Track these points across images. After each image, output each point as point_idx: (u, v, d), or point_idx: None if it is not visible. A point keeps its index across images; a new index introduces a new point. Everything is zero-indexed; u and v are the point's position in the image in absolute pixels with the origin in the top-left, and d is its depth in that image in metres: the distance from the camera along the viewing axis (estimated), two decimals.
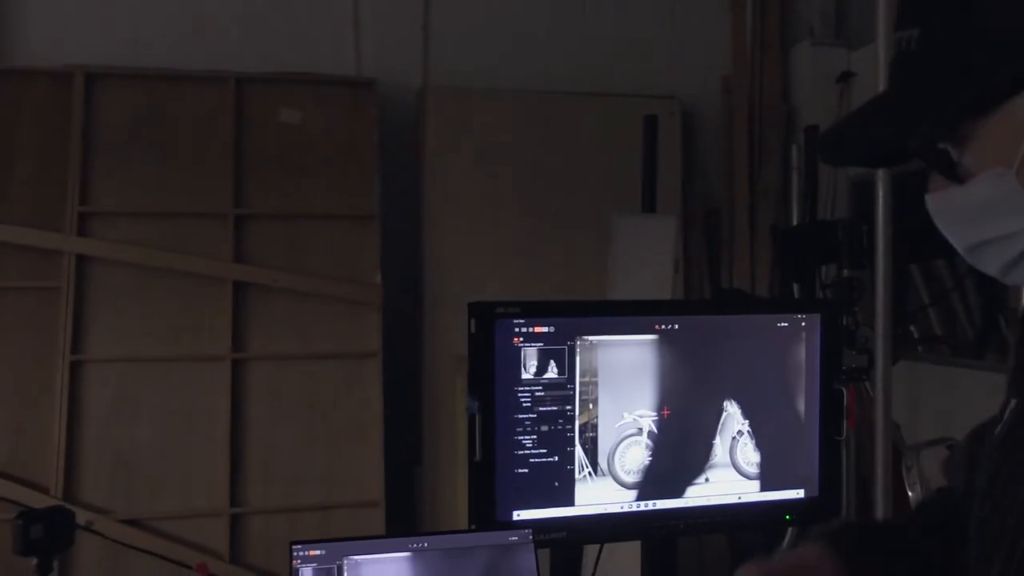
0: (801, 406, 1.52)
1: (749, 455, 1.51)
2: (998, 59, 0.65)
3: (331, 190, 3.12)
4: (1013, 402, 0.79)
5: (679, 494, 1.48)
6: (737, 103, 3.74)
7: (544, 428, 1.40)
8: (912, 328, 3.40)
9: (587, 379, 1.42)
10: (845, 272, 2.63)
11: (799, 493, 1.53)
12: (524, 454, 1.40)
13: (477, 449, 1.36)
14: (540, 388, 1.40)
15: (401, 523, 3.29)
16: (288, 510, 3.06)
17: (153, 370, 2.97)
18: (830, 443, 1.54)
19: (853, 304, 2.11)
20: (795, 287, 2.87)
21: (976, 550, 0.79)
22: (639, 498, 1.46)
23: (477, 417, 1.36)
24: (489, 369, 1.37)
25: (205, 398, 2.99)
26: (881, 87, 3.27)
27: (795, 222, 3.20)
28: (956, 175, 0.70)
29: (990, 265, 0.72)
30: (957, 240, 0.72)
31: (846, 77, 3.62)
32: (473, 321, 1.37)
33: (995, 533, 0.75)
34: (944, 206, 0.72)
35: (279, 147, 3.11)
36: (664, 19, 3.72)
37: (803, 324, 1.51)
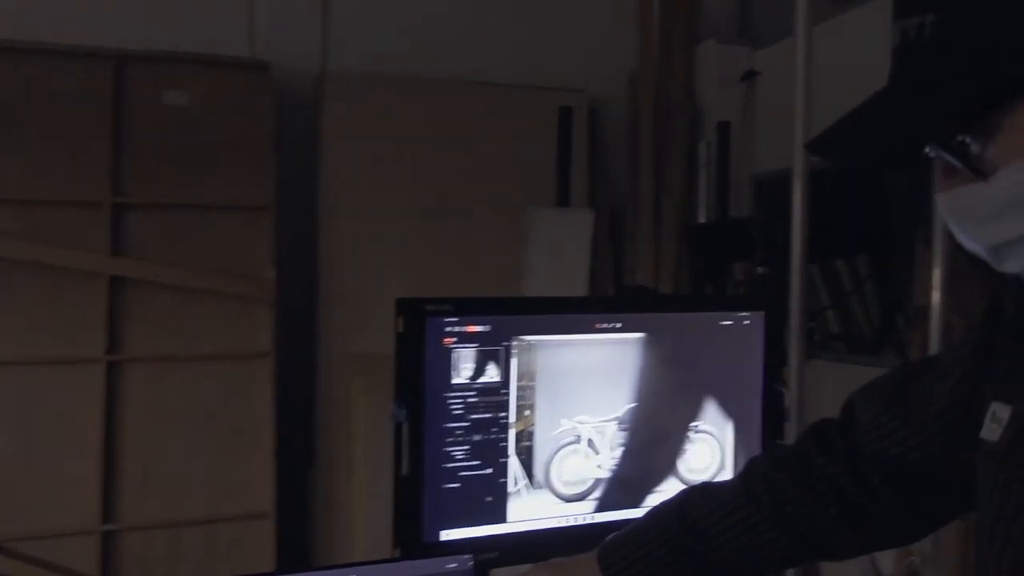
0: (744, 408, 1.45)
1: (691, 461, 1.42)
2: None
3: (221, 179, 2.90)
4: (1004, 408, 0.74)
5: (624, 506, 1.38)
6: (644, 99, 3.70)
7: (477, 437, 1.27)
8: (812, 326, 3.43)
9: (524, 383, 1.30)
10: (760, 269, 2.62)
11: None
12: (454, 467, 1.26)
13: (404, 462, 1.22)
14: (473, 393, 1.27)
15: (293, 534, 3.11)
16: (169, 525, 2.83)
17: (14, 374, 2.68)
18: (771, 446, 1.47)
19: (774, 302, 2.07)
20: (708, 285, 2.85)
21: (983, 564, 0.74)
22: (582, 511, 1.35)
23: (405, 426, 1.22)
24: (418, 373, 1.23)
25: (75, 404, 2.73)
26: (790, 87, 3.33)
27: (702, 219, 3.18)
28: (980, 170, 0.64)
29: (1017, 264, 0.66)
30: (979, 240, 0.66)
31: (750, 76, 3.63)
32: (401, 320, 1.23)
33: (1004, 551, 0.71)
34: (965, 204, 0.66)
35: (163, 132, 2.87)
36: (572, 11, 3.65)
37: (746, 322, 1.44)
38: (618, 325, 1.36)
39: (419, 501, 1.24)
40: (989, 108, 0.62)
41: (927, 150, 0.67)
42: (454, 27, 3.45)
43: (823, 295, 3.45)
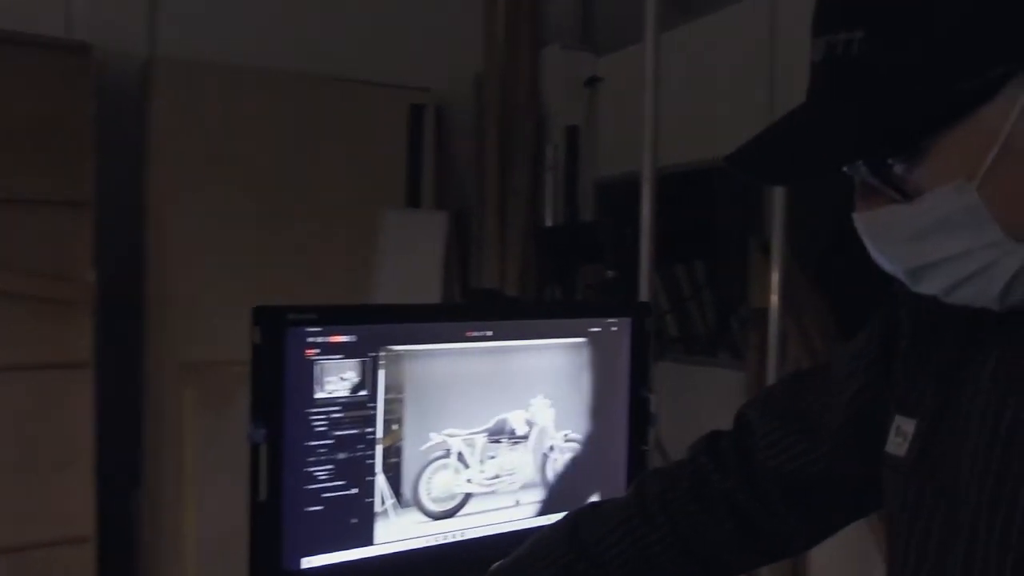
0: (613, 415, 1.43)
1: (562, 473, 1.39)
2: (962, 67, 0.58)
3: (33, 170, 2.63)
4: (908, 422, 0.74)
5: (493, 520, 1.33)
6: (489, 100, 3.67)
7: (341, 456, 1.19)
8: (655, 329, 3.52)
9: (392, 396, 1.22)
10: (609, 273, 2.64)
11: None
12: (317, 488, 1.17)
13: (262, 486, 1.12)
14: (338, 408, 1.18)
15: (116, 560, 2.86)
16: None
17: None
18: (637, 454, 1.46)
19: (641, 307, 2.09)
20: (557, 288, 2.86)
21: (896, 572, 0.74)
22: (451, 528, 1.29)
23: (263, 447, 1.11)
24: (278, 388, 1.13)
25: None
26: (632, 93, 3.36)
27: (549, 222, 3.19)
28: (904, 191, 0.63)
29: (934, 286, 0.65)
30: (899, 261, 0.66)
31: (593, 82, 3.69)
32: (258, 330, 1.12)
33: (920, 566, 0.71)
34: (886, 225, 0.65)
35: None
36: (418, 9, 3.57)
37: (614, 328, 1.43)
38: (489, 333, 1.31)
39: (278, 527, 1.14)
40: (918, 132, 0.60)
41: (846, 169, 0.66)
42: (297, 19, 3.30)
43: (663, 299, 3.55)
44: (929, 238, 0.62)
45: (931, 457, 0.71)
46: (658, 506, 0.90)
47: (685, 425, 2.39)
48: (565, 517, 0.95)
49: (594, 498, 1.42)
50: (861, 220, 0.66)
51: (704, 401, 2.98)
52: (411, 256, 2.20)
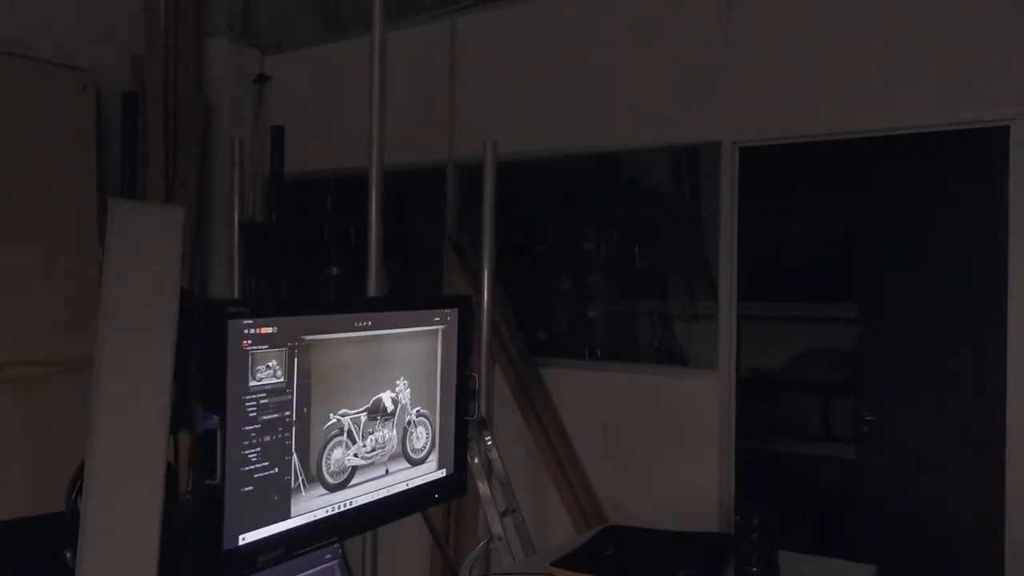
0: (447, 392, 1.66)
1: (414, 442, 1.59)
2: None
3: None
4: None
5: (371, 490, 1.49)
6: (151, 87, 3.51)
7: (267, 439, 1.27)
8: None
9: (303, 382, 1.33)
10: (334, 270, 2.78)
11: (443, 472, 1.67)
12: (250, 470, 1.25)
13: (218, 470, 1.17)
14: (264, 395, 1.27)
15: None
16: None
17: None
18: (461, 424, 1.71)
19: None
20: (262, 284, 2.89)
21: None
22: (343, 499, 1.43)
23: (219, 434, 1.17)
24: (222, 378, 1.19)
25: None
26: (301, 93, 3.40)
27: (237, 219, 3.17)
28: None
29: None
30: None
31: (262, 79, 3.72)
32: (205, 324, 1.17)
33: None
34: None
35: None
36: None
37: (448, 317, 1.66)
38: (369, 323, 1.46)
39: (222, 509, 1.20)
40: None
41: None
42: None
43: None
44: None
45: None
46: None
47: None
48: None
49: (433, 461, 1.64)
50: None
51: None
52: (146, 258, 2.14)
